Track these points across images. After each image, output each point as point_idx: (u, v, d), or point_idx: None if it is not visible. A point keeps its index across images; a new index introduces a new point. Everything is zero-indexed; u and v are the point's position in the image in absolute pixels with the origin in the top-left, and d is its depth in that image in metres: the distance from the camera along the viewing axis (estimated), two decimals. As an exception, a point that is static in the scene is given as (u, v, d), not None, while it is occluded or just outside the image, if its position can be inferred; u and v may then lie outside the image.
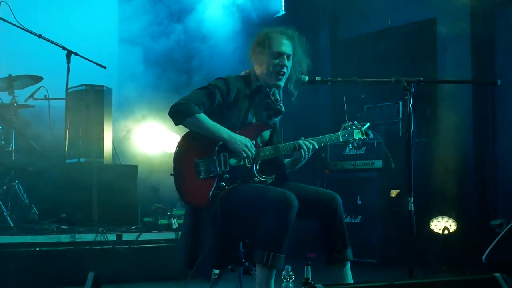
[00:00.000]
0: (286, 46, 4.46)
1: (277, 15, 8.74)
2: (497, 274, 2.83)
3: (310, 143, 4.42)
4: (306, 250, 7.03)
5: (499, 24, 7.53)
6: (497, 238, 6.30)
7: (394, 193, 7.39)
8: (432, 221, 6.98)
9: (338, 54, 8.97)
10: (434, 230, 6.97)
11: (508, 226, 6.37)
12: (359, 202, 7.41)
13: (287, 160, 4.62)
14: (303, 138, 4.45)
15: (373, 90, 7.75)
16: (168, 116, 4.37)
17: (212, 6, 8.21)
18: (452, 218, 6.98)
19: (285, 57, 4.44)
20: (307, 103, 7.11)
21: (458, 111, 7.48)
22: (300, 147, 4.40)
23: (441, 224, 7.00)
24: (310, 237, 6.77)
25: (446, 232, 6.91)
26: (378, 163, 7.39)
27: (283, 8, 8.85)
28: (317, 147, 4.47)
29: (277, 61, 4.42)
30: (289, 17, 8.71)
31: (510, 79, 6.99)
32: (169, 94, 7.79)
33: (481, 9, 7.47)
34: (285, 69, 4.44)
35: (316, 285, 2.43)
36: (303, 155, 4.43)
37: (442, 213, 7.01)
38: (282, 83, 4.49)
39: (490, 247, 6.21)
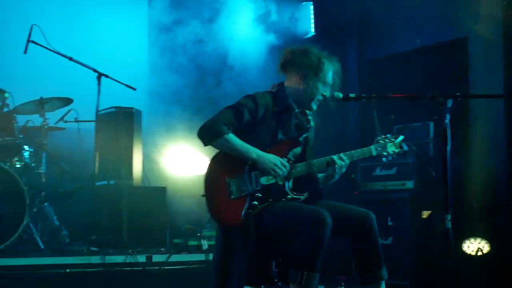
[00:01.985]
0: (330, 77, 4.48)
1: (306, 36, 8.69)
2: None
3: (342, 158, 4.37)
4: (336, 272, 6.96)
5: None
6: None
7: (425, 214, 7.27)
8: (465, 242, 6.86)
9: (366, 74, 8.93)
10: (467, 251, 6.85)
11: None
12: (390, 223, 7.30)
13: (320, 175, 4.57)
14: (340, 154, 4.42)
15: (403, 111, 7.65)
16: (197, 139, 4.35)
17: (241, 27, 8.18)
18: (485, 239, 6.87)
19: (329, 86, 4.43)
20: (336, 122, 7.08)
21: (489, 130, 7.39)
22: (333, 162, 4.36)
23: (474, 246, 6.88)
24: (340, 259, 6.71)
25: (479, 253, 6.80)
26: (409, 184, 7.28)
27: (312, 29, 8.80)
28: (348, 162, 4.41)
29: (323, 89, 4.42)
30: (317, 38, 8.66)
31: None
32: (198, 116, 7.80)
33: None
34: (322, 98, 4.44)
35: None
36: (337, 170, 4.39)
37: (475, 234, 6.90)
38: (315, 108, 4.50)
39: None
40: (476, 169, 7.35)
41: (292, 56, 4.53)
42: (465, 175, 7.33)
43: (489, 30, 7.50)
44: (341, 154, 4.40)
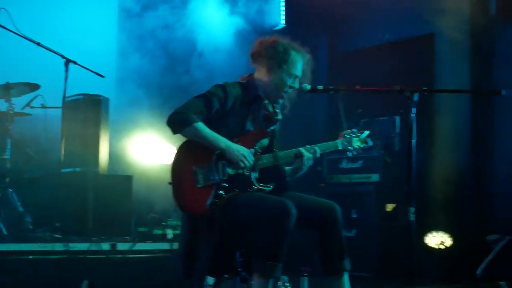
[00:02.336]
0: (299, 70, 4.49)
1: (276, 28, 8.70)
2: (502, 283, 2.78)
3: (310, 151, 4.39)
4: (301, 263, 7.00)
5: (497, 39, 7.52)
6: (492, 254, 6.28)
7: (389, 207, 7.35)
8: (428, 235, 6.94)
9: (336, 67, 8.97)
10: (430, 244, 6.92)
11: (504, 242, 6.34)
12: (354, 216, 7.36)
13: (287, 168, 4.58)
14: (307, 146, 4.43)
15: (370, 104, 7.70)
16: (166, 127, 4.34)
17: (209, 17, 8.16)
18: (448, 232, 6.95)
19: (297, 79, 4.44)
20: (305, 115, 7.10)
21: (454, 125, 7.48)
22: (301, 154, 4.38)
23: (437, 239, 6.96)
24: (305, 250, 6.75)
25: (441, 246, 6.88)
26: (375, 177, 7.37)
27: (283, 20, 8.82)
28: (318, 156, 4.43)
29: (290, 81, 4.43)
30: (288, 30, 8.68)
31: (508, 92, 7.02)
32: (166, 104, 7.78)
33: (480, 25, 7.49)
34: (291, 91, 4.44)
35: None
36: (304, 163, 4.41)
37: (438, 228, 6.97)
38: (281, 101, 4.51)
39: (485, 262, 6.17)
40: (440, 163, 7.43)
41: (260, 47, 4.53)
42: (430, 169, 7.40)
43: (456, 27, 7.57)
44: (307, 147, 4.42)
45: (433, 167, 7.38)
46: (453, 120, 7.52)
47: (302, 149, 4.40)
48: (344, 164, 7.63)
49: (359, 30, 8.83)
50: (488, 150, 7.47)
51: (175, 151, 4.41)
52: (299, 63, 4.48)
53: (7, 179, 6.93)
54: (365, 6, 8.38)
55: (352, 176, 7.58)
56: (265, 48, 4.50)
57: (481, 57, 7.55)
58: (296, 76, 4.47)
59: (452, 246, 6.89)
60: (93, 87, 7.32)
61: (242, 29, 8.12)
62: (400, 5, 8.06)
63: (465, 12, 7.55)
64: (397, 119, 7.52)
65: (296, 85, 4.47)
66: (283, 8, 9.00)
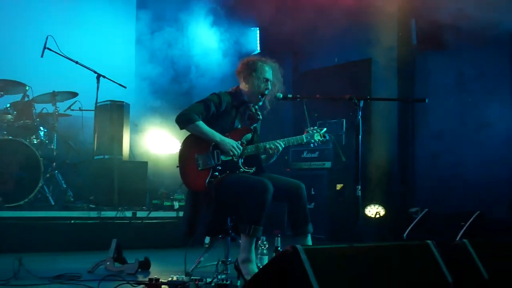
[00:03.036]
0: (269, 74, 4.44)
1: (254, 53, 8.67)
2: (429, 241, 2.77)
3: (278, 144, 4.38)
4: (273, 228, 6.99)
5: (417, 62, 7.56)
6: (414, 222, 6.33)
7: (339, 186, 7.37)
8: (367, 207, 6.95)
9: (298, 83, 8.95)
10: (368, 214, 6.93)
11: (422, 213, 6.39)
12: (312, 192, 7.37)
13: (262, 156, 4.55)
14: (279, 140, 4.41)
15: (323, 110, 7.70)
16: (172, 125, 4.33)
17: (205, 44, 8.12)
18: (382, 206, 6.97)
19: (269, 82, 4.41)
20: (276, 116, 7.07)
21: (386, 124, 7.53)
22: (275, 146, 4.35)
23: (373, 210, 6.97)
24: (276, 218, 6.75)
25: (377, 216, 6.89)
26: (328, 164, 7.40)
27: (258, 48, 8.80)
28: (282, 147, 4.41)
29: (263, 85, 4.41)
30: (262, 54, 8.62)
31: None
32: (172, 109, 7.72)
33: (405, 51, 7.53)
34: (267, 91, 4.41)
35: (297, 246, 2.32)
36: (275, 152, 4.38)
37: (374, 202, 6.99)
38: (261, 103, 4.48)
39: (409, 228, 6.22)
40: (376, 153, 7.45)
41: (239, 67, 4.54)
42: (369, 157, 7.42)
43: (386, 53, 7.60)
44: (279, 140, 4.41)
45: (371, 156, 7.41)
46: (385, 121, 7.56)
47: (277, 141, 4.38)
48: (305, 154, 7.65)
49: (315, 55, 8.82)
50: (411, 143, 7.52)
51: (181, 143, 4.38)
52: (267, 68, 4.45)
53: (54, 164, 6.88)
54: (319, 37, 8.37)
55: (311, 163, 7.58)
56: (242, 66, 4.52)
57: (406, 75, 7.59)
58: (267, 80, 4.43)
59: (385, 215, 6.90)
60: (118, 95, 7.23)
61: (228, 50, 8.06)
62: (346, 35, 8.07)
63: (393, 42, 7.59)
64: (344, 121, 7.53)
65: (270, 87, 4.44)
66: (258, 38, 8.97)
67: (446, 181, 7.05)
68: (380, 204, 6.96)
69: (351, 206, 6.92)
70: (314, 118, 7.88)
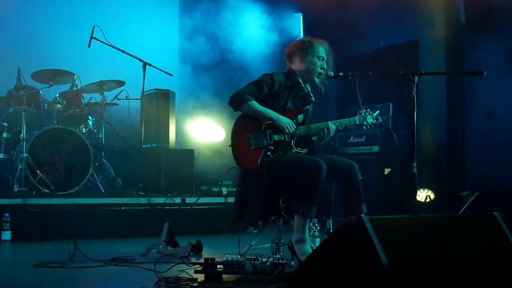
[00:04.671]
0: (323, 53, 4.42)
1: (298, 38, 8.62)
2: (495, 213, 2.70)
3: (330, 125, 4.38)
4: (320, 215, 6.97)
5: (466, 42, 7.41)
6: (465, 206, 6.23)
7: (386, 171, 7.28)
8: (417, 192, 6.84)
9: (343, 68, 8.81)
10: (418, 199, 6.83)
11: (473, 197, 6.29)
12: (360, 178, 7.25)
13: (314, 138, 4.53)
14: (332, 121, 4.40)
15: (370, 94, 7.61)
16: (216, 113, 4.33)
17: (251, 31, 8.10)
18: (431, 190, 6.87)
19: (324, 61, 4.39)
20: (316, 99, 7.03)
21: (434, 106, 7.40)
22: (327, 128, 4.33)
23: (423, 195, 6.89)
24: (323, 206, 6.72)
25: (428, 200, 6.80)
26: (375, 148, 7.32)
27: (301, 33, 8.75)
28: (334, 128, 4.41)
29: (319, 63, 4.38)
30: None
31: (476, 81, 6.97)
32: (217, 97, 7.75)
33: (453, 31, 7.40)
34: (322, 70, 4.38)
35: (361, 215, 2.30)
36: (327, 133, 4.36)
37: (424, 186, 6.89)
38: (318, 80, 4.42)
39: (460, 212, 6.13)
40: (424, 135, 7.34)
41: (291, 48, 4.52)
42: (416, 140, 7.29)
43: (434, 34, 7.48)
44: (330, 122, 4.39)
45: (419, 139, 7.27)
46: (433, 102, 7.44)
47: (329, 123, 4.37)
48: (352, 139, 7.58)
49: (360, 39, 8.72)
50: (460, 124, 7.37)
51: (233, 123, 4.37)
52: (321, 48, 4.44)
53: (103, 152, 6.95)
54: (365, 19, 8.27)
55: (358, 148, 7.51)
56: (295, 46, 4.49)
57: (454, 56, 7.44)
58: (322, 58, 4.41)
59: (435, 199, 6.81)
60: (164, 83, 7.29)
61: (271, 36, 8.02)
62: (391, 19, 7.96)
63: (441, 23, 7.46)
64: (390, 105, 7.42)
65: (325, 66, 4.42)
66: (301, 23, 8.92)
67: (496, 163, 6.89)
68: (430, 188, 6.86)
69: (400, 189, 6.86)
70: (359, 103, 7.80)
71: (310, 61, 4.39)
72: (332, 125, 4.38)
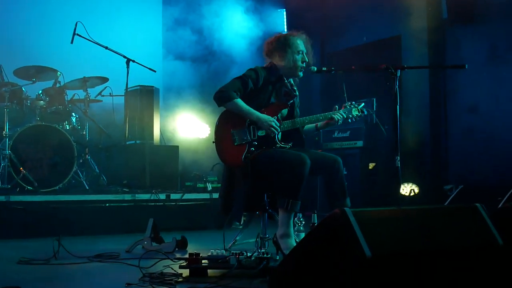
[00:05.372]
0: (302, 46, 4.41)
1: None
2: (478, 204, 2.71)
3: (316, 118, 4.38)
4: (306, 210, 6.98)
5: (448, 37, 7.44)
6: (449, 199, 6.26)
7: (371, 165, 7.30)
8: (400, 186, 6.87)
9: (326, 64, 8.87)
10: (402, 193, 6.86)
11: (457, 190, 6.32)
12: (345, 172, 7.26)
13: (307, 127, 4.55)
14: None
15: (353, 89, 7.63)
16: (200, 110, 4.31)
17: (234, 26, 8.07)
18: (415, 184, 6.89)
19: (304, 54, 4.37)
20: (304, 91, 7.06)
21: (417, 100, 7.43)
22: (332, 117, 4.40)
23: (407, 189, 6.91)
24: (308, 200, 6.72)
25: (412, 194, 6.82)
26: (359, 143, 7.31)
27: (285, 29, 8.74)
28: (320, 119, 4.44)
29: (300, 57, 4.35)
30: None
31: (459, 75, 7.01)
32: (201, 93, 7.73)
33: (435, 26, 7.42)
34: (304, 64, 4.37)
35: (345, 208, 2.29)
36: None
37: (408, 180, 6.91)
38: (302, 74, 4.42)
39: (445, 204, 6.15)
40: (406, 131, 7.36)
41: (269, 46, 4.49)
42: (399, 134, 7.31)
43: (416, 29, 7.50)
44: (316, 115, 4.38)
45: (403, 133, 7.30)
46: (416, 96, 7.47)
47: (327, 114, 4.41)
48: (336, 134, 7.57)
49: (343, 35, 8.72)
50: (443, 118, 7.40)
51: (218, 118, 4.35)
52: (298, 41, 4.41)
53: (87, 149, 6.92)
54: (346, 16, 8.28)
55: (342, 143, 7.52)
56: (272, 44, 4.46)
57: (436, 50, 7.47)
58: (301, 51, 4.39)
59: (418, 193, 6.83)
60: (147, 80, 7.26)
61: (255, 33, 8.00)
62: (373, 15, 7.98)
63: (423, 18, 7.48)
64: (374, 100, 7.42)
65: (306, 59, 4.40)
66: (285, 19, 8.93)
67: (479, 156, 6.93)
68: (414, 182, 6.88)
69: (384, 184, 6.88)
70: (343, 98, 7.82)
71: (290, 58, 4.37)
72: (318, 117, 4.39)
